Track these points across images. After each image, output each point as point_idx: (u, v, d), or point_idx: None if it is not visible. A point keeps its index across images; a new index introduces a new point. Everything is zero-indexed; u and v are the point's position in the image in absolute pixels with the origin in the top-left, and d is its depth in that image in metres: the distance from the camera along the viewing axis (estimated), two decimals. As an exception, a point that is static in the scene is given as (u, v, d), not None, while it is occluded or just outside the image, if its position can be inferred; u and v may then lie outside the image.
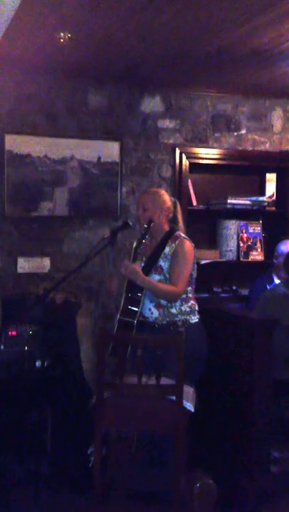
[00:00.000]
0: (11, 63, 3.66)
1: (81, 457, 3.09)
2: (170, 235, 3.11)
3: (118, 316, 3.03)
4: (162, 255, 3.06)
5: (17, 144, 3.93)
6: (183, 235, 3.11)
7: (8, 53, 3.36)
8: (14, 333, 3.15)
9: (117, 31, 3.08)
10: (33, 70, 3.86)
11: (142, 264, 3.08)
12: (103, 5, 2.74)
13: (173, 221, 3.19)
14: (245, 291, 4.45)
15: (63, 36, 3.04)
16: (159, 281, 3.02)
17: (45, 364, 3.06)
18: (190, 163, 4.39)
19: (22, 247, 4.00)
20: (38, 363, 3.06)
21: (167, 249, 3.06)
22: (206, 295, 4.35)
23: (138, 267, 2.98)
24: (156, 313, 3.04)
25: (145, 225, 3.04)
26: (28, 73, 3.90)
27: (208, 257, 4.37)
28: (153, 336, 2.91)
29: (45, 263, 4.04)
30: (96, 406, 2.60)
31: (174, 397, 2.60)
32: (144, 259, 3.12)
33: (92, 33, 3.12)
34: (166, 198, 3.17)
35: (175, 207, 3.20)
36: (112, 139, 4.18)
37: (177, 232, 3.12)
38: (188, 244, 3.07)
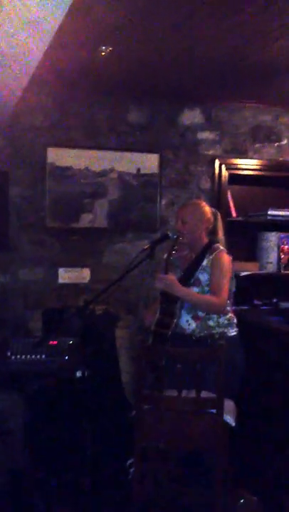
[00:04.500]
0: (53, 79, 3.73)
1: (120, 470, 3.07)
2: (208, 247, 3.08)
3: (153, 327, 3.02)
4: (200, 268, 3.03)
5: (58, 156, 4.00)
6: (221, 247, 3.08)
7: (50, 70, 3.43)
8: (55, 342, 3.18)
9: (159, 46, 3.10)
10: (74, 87, 3.93)
11: (179, 277, 3.06)
12: (145, 20, 2.76)
13: (213, 233, 3.16)
14: (286, 304, 4.36)
15: (105, 50, 3.08)
16: (198, 293, 2.99)
17: (86, 374, 3.07)
18: (230, 175, 4.37)
19: (63, 258, 4.06)
20: (78, 373, 3.08)
21: (205, 262, 3.03)
22: (246, 307, 4.29)
23: (174, 278, 2.96)
24: (193, 324, 3.01)
25: (174, 236, 3.03)
26: (70, 89, 3.98)
27: (247, 269, 4.31)
28: (194, 349, 2.88)
29: (85, 274, 4.08)
30: (136, 419, 2.58)
31: (214, 411, 2.56)
32: (181, 271, 3.10)
33: (134, 48, 3.15)
34: (207, 209, 3.15)
35: (215, 218, 3.18)
36: (151, 151, 4.20)
37: (215, 245, 3.09)
38: (225, 256, 3.03)
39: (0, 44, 2.44)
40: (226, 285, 2.97)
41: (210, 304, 2.94)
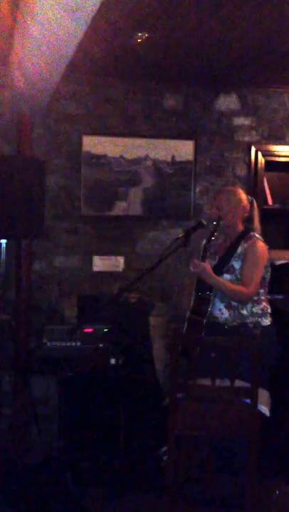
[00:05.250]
0: (89, 67, 3.73)
1: (153, 457, 3.10)
2: (244, 235, 3.05)
3: (188, 314, 3.02)
4: (235, 255, 3.01)
5: (94, 144, 4.01)
6: (257, 236, 3.05)
7: (86, 57, 3.42)
8: (90, 330, 3.22)
9: (195, 30, 3.06)
10: (110, 74, 3.92)
11: (214, 264, 3.05)
12: (181, 5, 2.73)
13: (248, 220, 3.13)
14: None
15: (141, 36, 3.05)
16: (231, 281, 2.97)
17: (120, 362, 3.10)
18: (266, 161, 4.29)
19: (97, 246, 4.08)
20: (112, 361, 3.11)
21: (240, 249, 3.01)
22: (281, 297, 4.23)
23: (208, 265, 2.95)
24: (226, 313, 3.00)
25: (214, 222, 3.00)
26: (105, 77, 3.97)
27: (283, 257, 4.25)
28: (228, 338, 2.86)
29: (120, 262, 4.10)
30: (169, 407, 2.59)
31: (248, 401, 2.55)
32: (217, 258, 3.09)
33: (169, 33, 3.12)
34: (243, 196, 3.11)
35: (252, 206, 3.14)
36: (186, 137, 4.16)
37: (251, 233, 3.06)
38: (261, 245, 3.00)
39: (36, 32, 2.45)
40: (258, 276, 2.94)
41: (238, 293, 2.92)
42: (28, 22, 2.45)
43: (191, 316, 3.00)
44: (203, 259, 2.98)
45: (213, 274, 2.92)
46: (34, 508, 2.86)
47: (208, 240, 3.00)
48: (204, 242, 3.05)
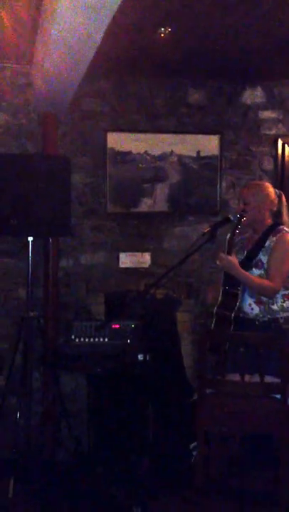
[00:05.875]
0: (112, 64, 3.73)
1: (183, 452, 3.09)
2: (272, 229, 3.02)
3: (215, 308, 3.00)
4: (263, 249, 2.99)
5: (118, 141, 4.02)
6: (286, 229, 3.01)
7: (109, 53, 3.43)
8: (117, 326, 3.23)
9: (218, 24, 3.03)
10: (133, 70, 3.91)
11: (242, 258, 3.02)
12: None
13: (277, 215, 3.09)
14: None
15: (164, 31, 3.04)
16: (259, 276, 2.94)
17: (147, 358, 3.10)
18: (293, 155, 4.23)
19: (124, 243, 4.09)
20: (140, 356, 3.12)
21: (268, 243, 2.98)
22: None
23: (234, 258, 2.92)
24: (256, 309, 2.97)
25: (238, 215, 2.97)
26: (129, 73, 3.97)
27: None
28: (257, 333, 2.83)
29: (146, 259, 4.09)
30: (198, 403, 2.58)
31: (278, 396, 2.52)
32: (245, 252, 3.06)
33: (193, 27, 3.09)
34: (270, 190, 3.08)
35: (280, 200, 3.10)
36: (211, 132, 4.13)
37: (280, 226, 3.03)
38: (289, 238, 2.96)
39: (57, 32, 2.46)
40: (285, 271, 2.90)
41: (263, 287, 2.89)
42: (49, 22, 2.47)
43: (219, 311, 2.98)
44: (228, 253, 2.96)
45: (239, 268, 2.90)
46: (64, 504, 2.88)
47: (233, 234, 2.98)
48: (228, 235, 3.03)
